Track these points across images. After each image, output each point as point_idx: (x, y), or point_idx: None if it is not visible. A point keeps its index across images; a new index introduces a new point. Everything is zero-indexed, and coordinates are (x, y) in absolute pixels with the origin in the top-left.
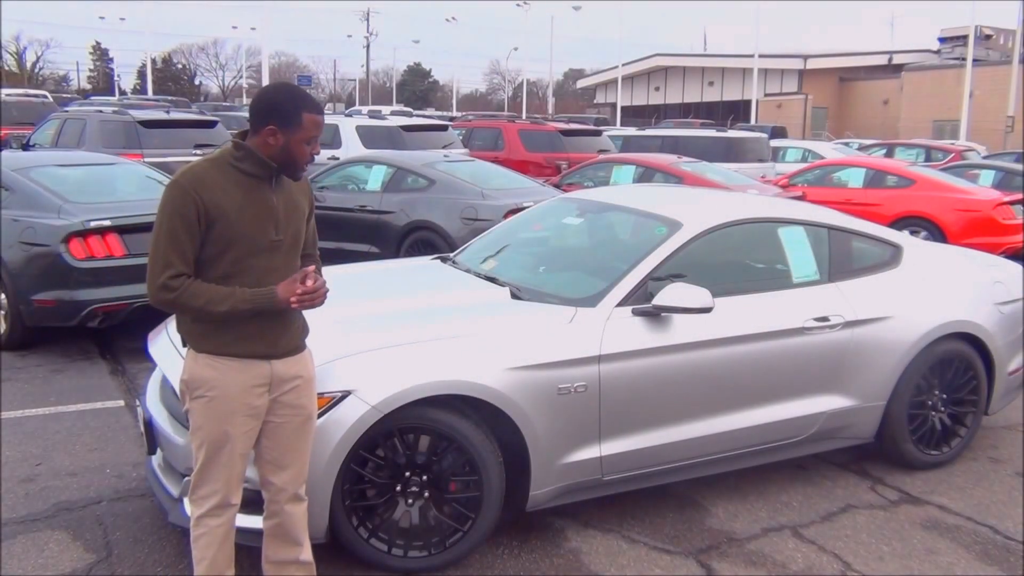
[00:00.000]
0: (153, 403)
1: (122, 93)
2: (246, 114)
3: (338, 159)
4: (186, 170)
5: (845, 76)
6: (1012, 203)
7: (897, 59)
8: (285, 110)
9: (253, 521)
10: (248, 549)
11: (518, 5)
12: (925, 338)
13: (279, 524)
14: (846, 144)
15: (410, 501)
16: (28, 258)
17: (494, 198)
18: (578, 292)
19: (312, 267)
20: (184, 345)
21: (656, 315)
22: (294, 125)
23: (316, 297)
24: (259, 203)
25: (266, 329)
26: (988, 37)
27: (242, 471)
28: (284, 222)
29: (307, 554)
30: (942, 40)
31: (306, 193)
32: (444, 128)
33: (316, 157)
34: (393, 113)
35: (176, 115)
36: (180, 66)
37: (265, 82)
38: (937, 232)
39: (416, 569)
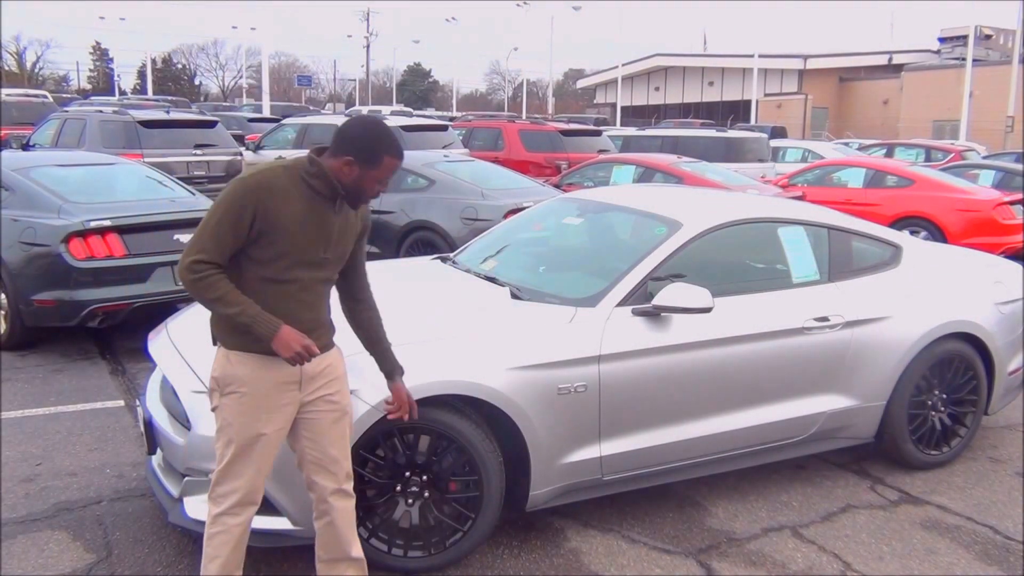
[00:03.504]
0: (153, 403)
1: (122, 93)
2: (246, 114)
3: None
4: (258, 172)
5: (845, 76)
6: (1012, 203)
7: (897, 59)
8: (369, 148)
9: (267, 522)
10: (250, 550)
11: (518, 5)
12: (925, 338)
13: (330, 523)
14: (846, 144)
15: (410, 501)
16: (28, 258)
17: (494, 198)
18: (578, 292)
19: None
20: (215, 344)
21: (656, 315)
22: (373, 164)
23: (305, 360)
24: (318, 222)
25: (296, 318)
26: (988, 37)
27: (267, 470)
28: (335, 243)
29: (358, 550)
30: (942, 40)
31: (362, 215)
32: (444, 128)
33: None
34: (393, 113)
35: (176, 115)
36: (180, 66)
37: (265, 82)
38: (937, 232)
39: (416, 569)
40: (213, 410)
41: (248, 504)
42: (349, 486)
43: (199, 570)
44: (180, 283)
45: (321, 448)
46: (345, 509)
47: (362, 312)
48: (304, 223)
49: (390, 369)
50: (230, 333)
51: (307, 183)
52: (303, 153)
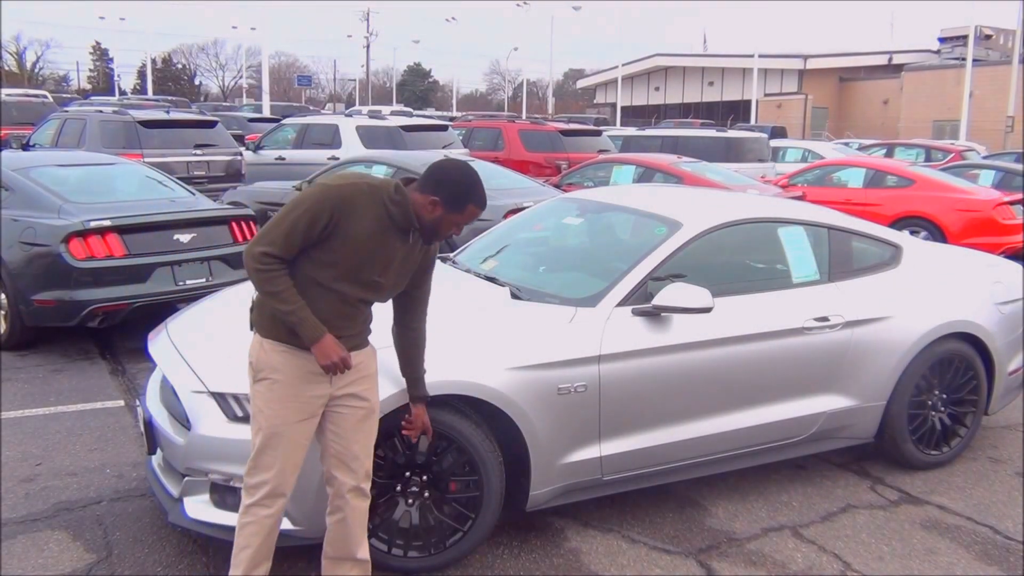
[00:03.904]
0: (153, 403)
1: (122, 93)
2: (246, 114)
3: (338, 159)
4: (345, 184)
5: (845, 76)
6: (1012, 203)
7: (897, 59)
8: (458, 194)
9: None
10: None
11: (518, 5)
12: (925, 338)
13: (342, 520)
14: (846, 144)
15: (410, 501)
16: (28, 258)
17: (494, 198)
18: (578, 292)
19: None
20: (251, 329)
21: (656, 315)
22: (457, 209)
23: (339, 371)
24: (383, 247)
25: (331, 324)
26: (988, 37)
27: (298, 462)
28: (393, 271)
29: (364, 552)
30: (942, 40)
31: (428, 249)
32: (444, 128)
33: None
34: (393, 113)
35: (176, 115)
36: (180, 66)
37: (265, 82)
38: (937, 232)
39: (416, 569)
40: (246, 398)
41: (278, 496)
42: (367, 485)
43: (201, 569)
44: (245, 264)
45: (345, 444)
46: (359, 508)
47: (409, 338)
48: (367, 243)
49: (416, 395)
50: (269, 322)
51: (387, 208)
52: (304, 152)
